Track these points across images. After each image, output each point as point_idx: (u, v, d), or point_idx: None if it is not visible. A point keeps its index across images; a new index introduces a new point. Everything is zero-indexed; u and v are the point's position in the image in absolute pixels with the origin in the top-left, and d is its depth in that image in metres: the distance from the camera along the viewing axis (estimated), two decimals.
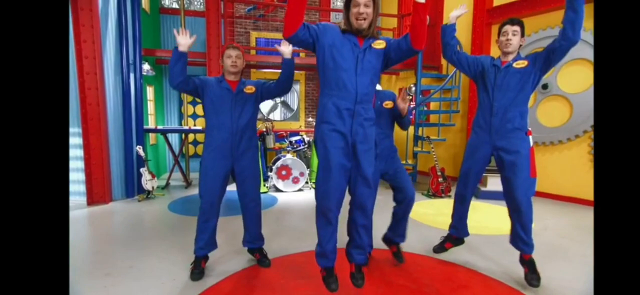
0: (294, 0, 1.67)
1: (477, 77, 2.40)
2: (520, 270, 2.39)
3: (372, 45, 1.84)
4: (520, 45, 2.25)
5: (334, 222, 1.91)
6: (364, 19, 1.78)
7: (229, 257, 2.72)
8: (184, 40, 2.15)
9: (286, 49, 2.24)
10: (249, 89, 2.35)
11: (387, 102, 2.45)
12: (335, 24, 1.87)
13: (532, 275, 2.28)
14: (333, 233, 1.94)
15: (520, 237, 2.27)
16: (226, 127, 2.30)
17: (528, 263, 2.32)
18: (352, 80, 1.81)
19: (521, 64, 2.20)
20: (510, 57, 2.27)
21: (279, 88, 2.41)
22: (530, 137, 2.27)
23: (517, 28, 2.22)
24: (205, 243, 2.40)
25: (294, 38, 1.76)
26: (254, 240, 2.57)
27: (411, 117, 2.41)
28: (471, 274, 2.50)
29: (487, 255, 2.80)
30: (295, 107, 7.40)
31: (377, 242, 2.69)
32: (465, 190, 2.50)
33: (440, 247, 2.73)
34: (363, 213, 1.95)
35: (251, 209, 2.48)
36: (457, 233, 2.65)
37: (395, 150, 2.55)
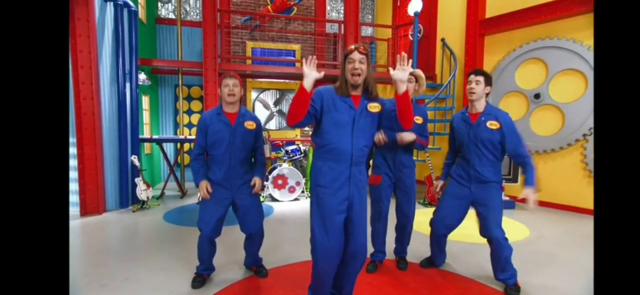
0: (298, 101, 1.72)
1: (455, 136, 2.50)
2: (521, 278, 2.40)
3: (368, 108, 1.88)
4: (486, 94, 2.33)
5: (330, 283, 1.94)
6: (359, 74, 1.81)
7: (229, 267, 2.71)
8: (203, 193, 2.28)
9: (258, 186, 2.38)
10: (250, 124, 2.34)
11: (417, 117, 2.52)
12: (329, 86, 1.90)
13: (510, 290, 2.33)
14: (329, 289, 1.98)
15: (499, 278, 2.35)
16: (224, 161, 2.28)
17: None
18: (348, 143, 1.83)
19: (494, 125, 2.27)
20: (477, 105, 2.33)
21: (259, 162, 2.48)
22: (503, 192, 2.36)
23: (479, 78, 2.29)
24: (205, 267, 2.44)
25: (299, 126, 1.81)
26: (255, 262, 2.61)
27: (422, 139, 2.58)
28: (469, 282, 2.51)
29: (485, 265, 2.81)
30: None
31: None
32: (443, 233, 2.54)
33: (428, 263, 2.77)
34: (354, 263, 1.93)
35: (256, 239, 2.49)
36: (437, 264, 2.73)
37: (411, 165, 2.58)
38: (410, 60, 1.78)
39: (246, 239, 2.51)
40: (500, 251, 2.28)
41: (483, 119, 2.29)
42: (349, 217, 1.87)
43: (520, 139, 2.27)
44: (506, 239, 2.28)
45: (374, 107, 1.88)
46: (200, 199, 2.35)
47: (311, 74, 1.70)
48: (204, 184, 2.27)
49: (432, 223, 2.55)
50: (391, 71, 1.75)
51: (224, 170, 2.28)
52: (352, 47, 1.84)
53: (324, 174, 1.84)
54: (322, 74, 1.73)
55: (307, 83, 1.70)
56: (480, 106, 2.33)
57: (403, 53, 1.77)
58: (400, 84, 1.75)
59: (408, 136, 2.42)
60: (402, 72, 1.73)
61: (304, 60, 1.72)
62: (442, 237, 2.58)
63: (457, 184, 2.43)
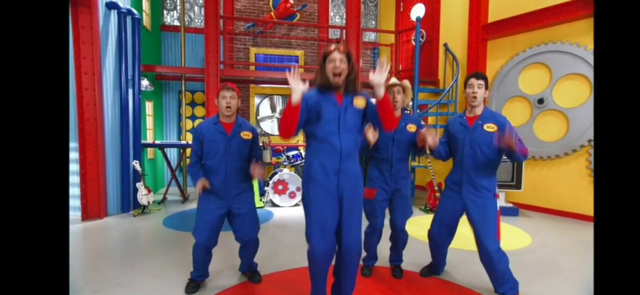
0: (289, 117, 1.72)
1: (451, 141, 2.43)
2: (520, 288, 2.35)
3: (353, 103, 1.87)
4: (485, 99, 2.29)
5: (324, 278, 1.92)
6: (339, 74, 1.81)
7: (224, 272, 2.70)
8: (200, 187, 2.28)
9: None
10: (246, 135, 2.35)
11: (410, 125, 2.46)
12: (311, 90, 1.87)
13: None
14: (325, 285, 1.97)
15: (499, 291, 2.28)
16: (220, 171, 2.29)
17: None
18: (336, 138, 1.83)
19: (491, 128, 2.22)
20: (477, 111, 2.29)
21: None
22: (497, 200, 2.30)
23: (481, 82, 2.26)
24: (200, 274, 2.44)
25: (292, 137, 1.83)
26: (249, 267, 2.60)
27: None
28: (466, 292, 2.46)
29: (483, 274, 2.75)
30: None
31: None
32: (442, 244, 2.51)
33: (428, 271, 2.72)
34: (349, 258, 1.90)
35: (250, 246, 2.48)
36: (438, 271, 2.68)
37: (407, 176, 2.52)
38: (389, 65, 1.78)
39: (240, 247, 2.51)
40: (493, 264, 2.21)
41: (480, 122, 2.25)
42: (341, 210, 1.85)
43: (517, 135, 2.16)
44: (500, 251, 2.21)
45: (358, 102, 1.88)
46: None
47: (298, 87, 1.69)
48: (202, 181, 2.26)
49: (430, 234, 2.52)
50: (370, 75, 1.74)
51: (220, 180, 2.29)
52: (332, 46, 1.83)
53: (314, 169, 1.85)
54: (307, 84, 1.73)
55: (296, 98, 1.70)
56: (479, 110, 2.29)
57: (382, 58, 1.78)
58: (378, 87, 1.75)
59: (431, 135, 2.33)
60: (380, 76, 1.73)
61: (287, 73, 1.71)
62: (442, 247, 2.54)
63: (450, 191, 2.39)
